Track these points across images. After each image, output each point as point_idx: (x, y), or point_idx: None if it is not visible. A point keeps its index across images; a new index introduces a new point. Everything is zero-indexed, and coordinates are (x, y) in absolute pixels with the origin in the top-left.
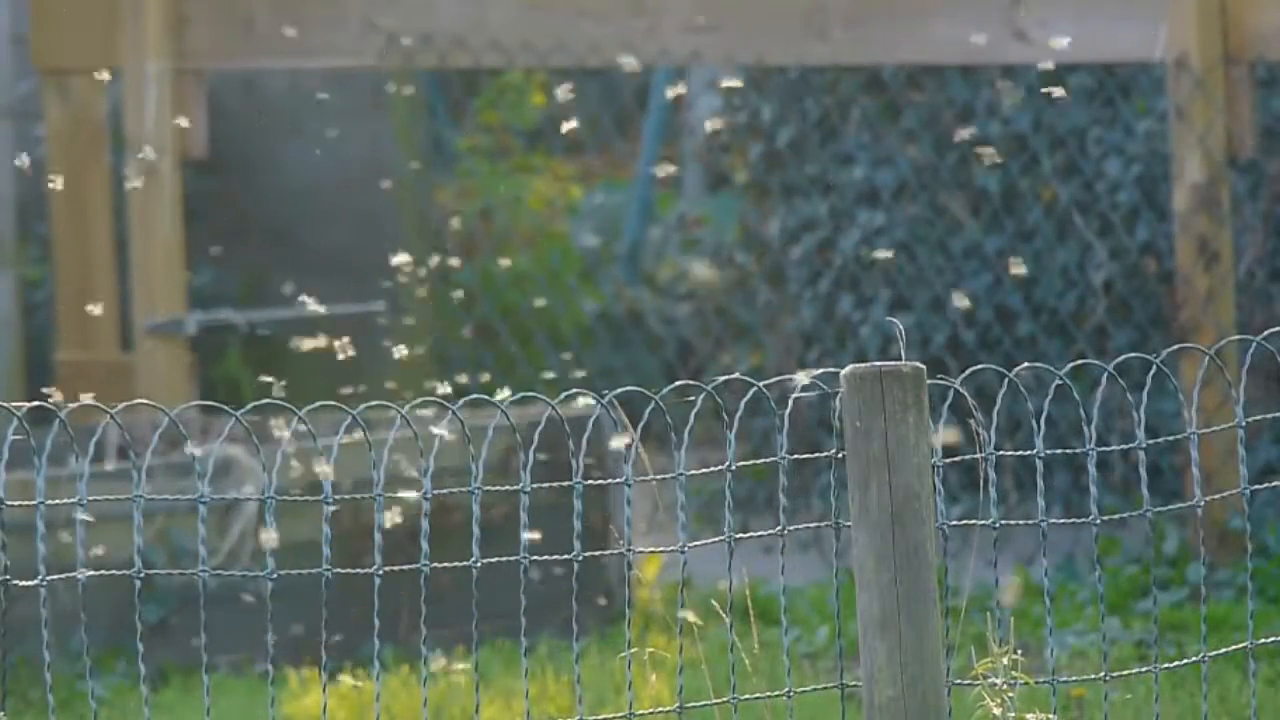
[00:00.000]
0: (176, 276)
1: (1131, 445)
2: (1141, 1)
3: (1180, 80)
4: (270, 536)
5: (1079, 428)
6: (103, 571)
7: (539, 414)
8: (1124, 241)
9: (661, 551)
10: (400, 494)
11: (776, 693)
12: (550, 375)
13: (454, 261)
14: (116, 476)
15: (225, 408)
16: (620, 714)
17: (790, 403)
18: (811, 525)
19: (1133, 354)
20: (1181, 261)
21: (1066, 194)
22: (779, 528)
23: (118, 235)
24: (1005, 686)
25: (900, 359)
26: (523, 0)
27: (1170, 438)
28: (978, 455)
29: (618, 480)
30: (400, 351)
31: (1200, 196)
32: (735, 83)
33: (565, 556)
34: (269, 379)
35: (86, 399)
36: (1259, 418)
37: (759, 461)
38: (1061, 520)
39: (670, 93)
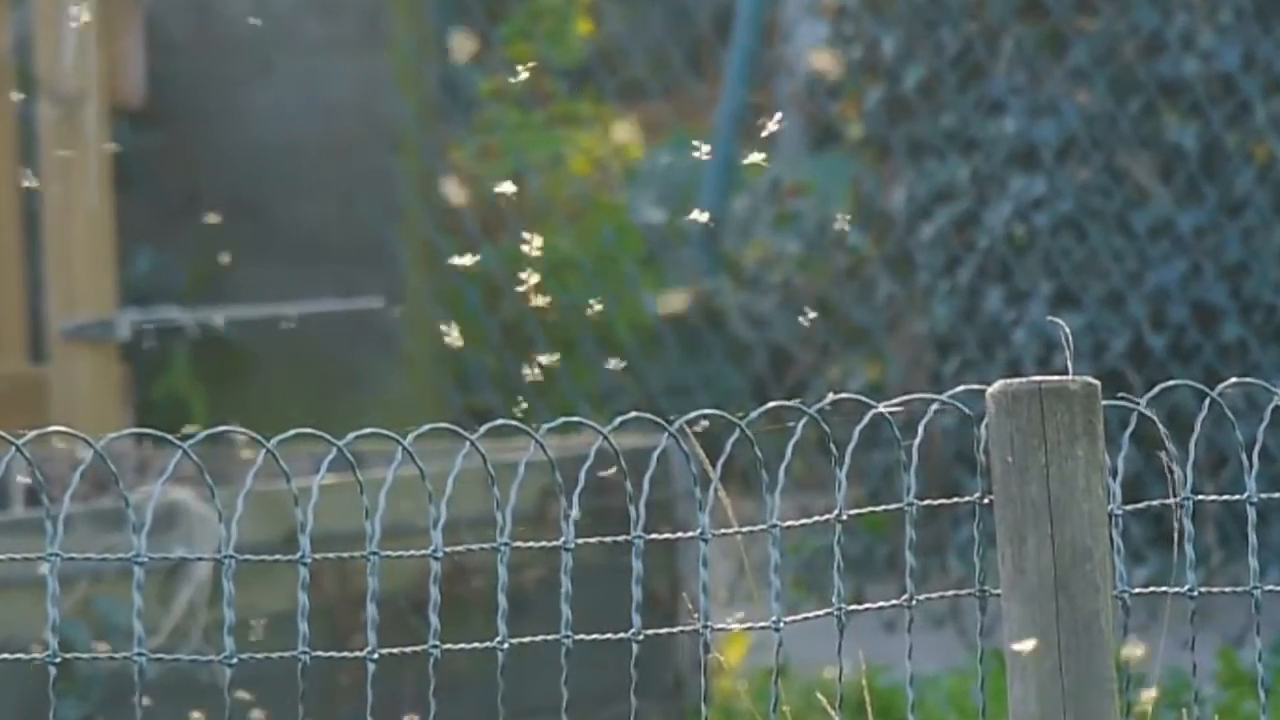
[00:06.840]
0: (104, 264)
1: None
2: None
3: None
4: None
5: None
6: (6, 656)
7: (585, 445)
8: None
9: (749, 628)
10: (399, 553)
11: None
12: (600, 394)
13: (473, 242)
14: (23, 528)
15: (169, 437)
16: None
17: (920, 431)
18: (948, 594)
19: None
20: None
21: None
22: (904, 597)
23: (25, 208)
24: None
25: (1067, 372)
26: None
27: None
28: (1170, 500)
29: (690, 534)
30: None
31: None
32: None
33: (621, 635)
34: (227, 399)
35: None
36: None
37: (879, 509)
38: None
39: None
